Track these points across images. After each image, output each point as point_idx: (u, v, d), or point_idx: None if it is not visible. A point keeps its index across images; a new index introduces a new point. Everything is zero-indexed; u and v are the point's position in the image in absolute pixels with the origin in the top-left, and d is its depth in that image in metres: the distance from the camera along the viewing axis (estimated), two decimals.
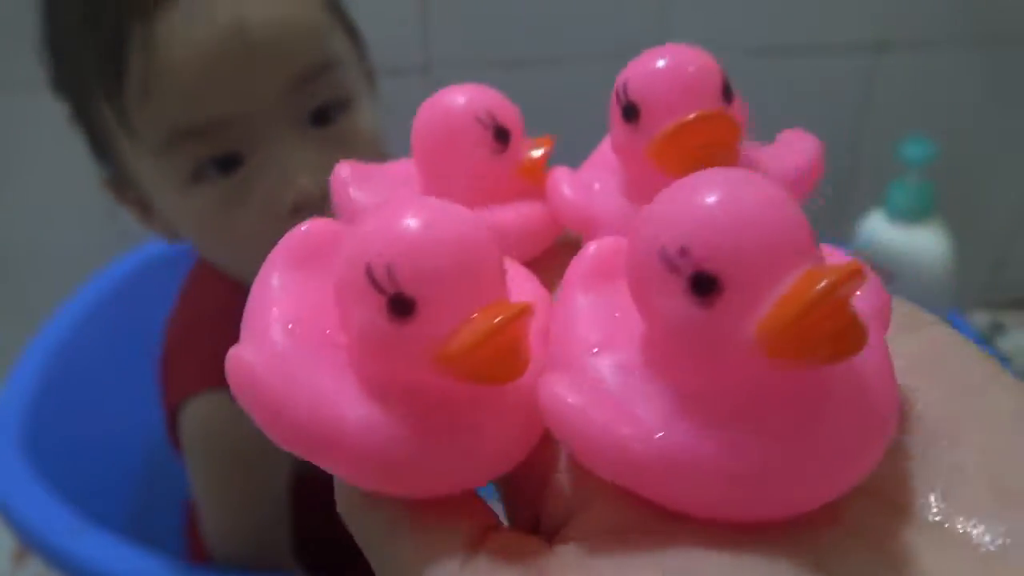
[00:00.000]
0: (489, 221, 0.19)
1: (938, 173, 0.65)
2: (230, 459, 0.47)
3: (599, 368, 0.14)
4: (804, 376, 0.12)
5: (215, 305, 0.49)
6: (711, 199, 0.12)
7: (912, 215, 0.64)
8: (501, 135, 0.20)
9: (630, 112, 0.19)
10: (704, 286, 0.12)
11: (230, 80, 0.39)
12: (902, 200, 0.64)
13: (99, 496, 0.53)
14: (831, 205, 0.76)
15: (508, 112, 0.21)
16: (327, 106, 0.42)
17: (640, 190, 0.19)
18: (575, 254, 0.20)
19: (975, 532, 0.12)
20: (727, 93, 0.18)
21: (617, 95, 0.19)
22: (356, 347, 0.14)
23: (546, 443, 0.15)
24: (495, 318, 0.13)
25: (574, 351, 0.14)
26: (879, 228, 0.66)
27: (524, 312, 0.13)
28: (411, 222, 0.13)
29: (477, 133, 0.20)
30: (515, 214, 0.20)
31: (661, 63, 0.18)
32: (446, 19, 0.71)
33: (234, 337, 0.47)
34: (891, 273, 0.65)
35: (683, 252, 0.12)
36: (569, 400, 0.13)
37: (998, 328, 0.93)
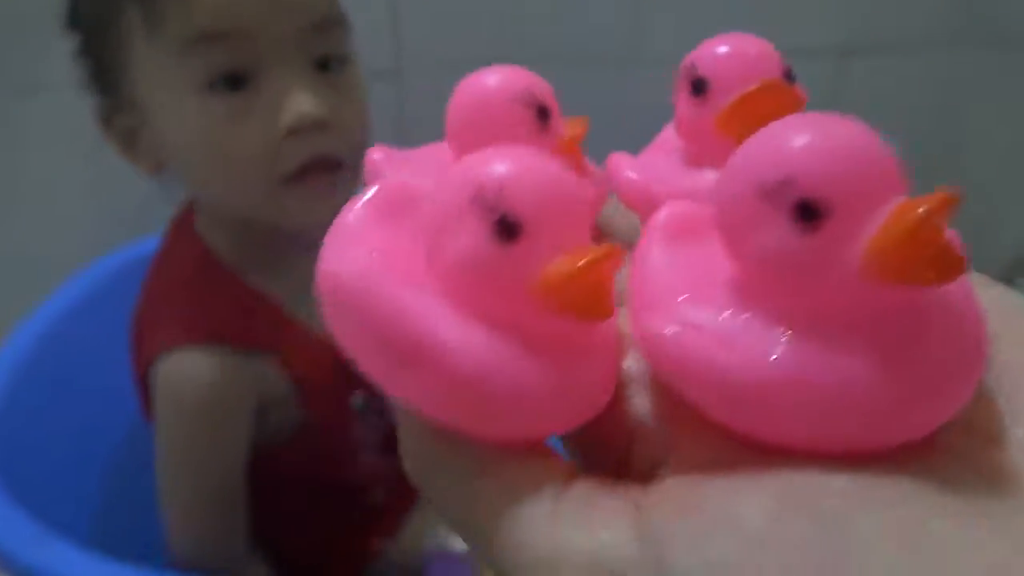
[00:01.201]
0: None
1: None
2: (199, 416, 0.48)
3: (693, 312, 0.14)
4: (905, 302, 0.13)
5: (194, 263, 0.51)
6: (809, 132, 0.13)
7: None
8: (543, 114, 0.20)
9: (699, 86, 0.20)
10: (809, 213, 0.12)
11: (265, 3, 0.44)
12: None
13: (66, 507, 0.52)
14: None
15: (546, 90, 0.21)
16: (329, 57, 0.47)
17: (705, 164, 0.20)
18: (608, 235, 0.21)
19: None
20: (789, 76, 0.19)
21: (685, 71, 0.20)
22: (453, 275, 0.14)
23: (621, 398, 0.15)
24: (597, 252, 0.13)
25: (662, 298, 0.14)
26: None
27: (618, 252, 0.14)
28: (522, 156, 0.14)
29: (520, 113, 0.20)
30: None
31: (727, 44, 0.20)
32: (416, 23, 0.71)
33: (213, 295, 0.49)
34: None
35: (786, 182, 0.12)
36: (670, 332, 0.13)
37: None
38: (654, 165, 0.21)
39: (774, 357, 0.13)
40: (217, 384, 0.47)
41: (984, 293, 0.15)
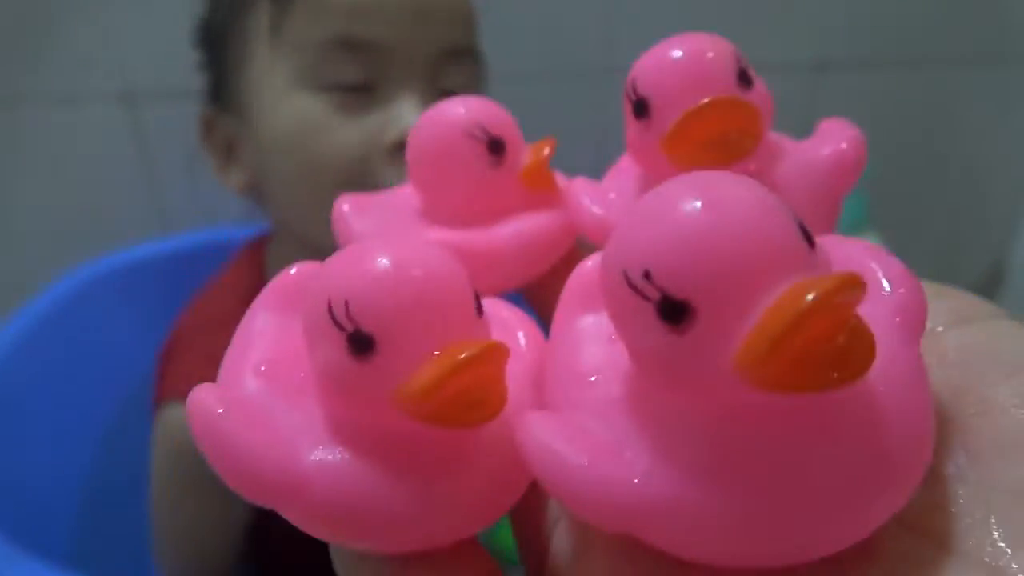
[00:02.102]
0: (492, 238, 0.19)
1: (878, 187, 0.67)
2: (190, 471, 0.45)
3: (591, 400, 0.13)
4: (800, 405, 0.11)
5: (230, 309, 0.48)
6: (672, 212, 0.11)
7: (847, 227, 0.66)
8: (495, 147, 0.19)
9: (640, 108, 0.17)
10: (673, 312, 0.11)
11: (402, 18, 0.42)
12: None
13: (39, 524, 0.52)
14: None
15: (502, 121, 0.20)
16: (453, 90, 0.43)
17: None
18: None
19: None
20: (744, 78, 0.17)
21: (627, 93, 0.18)
22: (322, 385, 0.13)
23: (540, 495, 0.14)
24: (457, 356, 0.12)
25: (565, 384, 0.13)
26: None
27: (489, 351, 0.12)
28: (371, 259, 0.13)
29: (470, 148, 0.19)
30: (519, 228, 0.20)
31: (669, 54, 0.17)
32: None
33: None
34: None
35: (647, 276, 0.11)
36: (544, 441, 0.12)
37: None
38: (614, 194, 0.19)
39: (639, 480, 0.11)
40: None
41: (962, 333, 0.13)
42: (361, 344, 0.12)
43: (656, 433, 0.12)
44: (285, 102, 0.44)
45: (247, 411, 0.13)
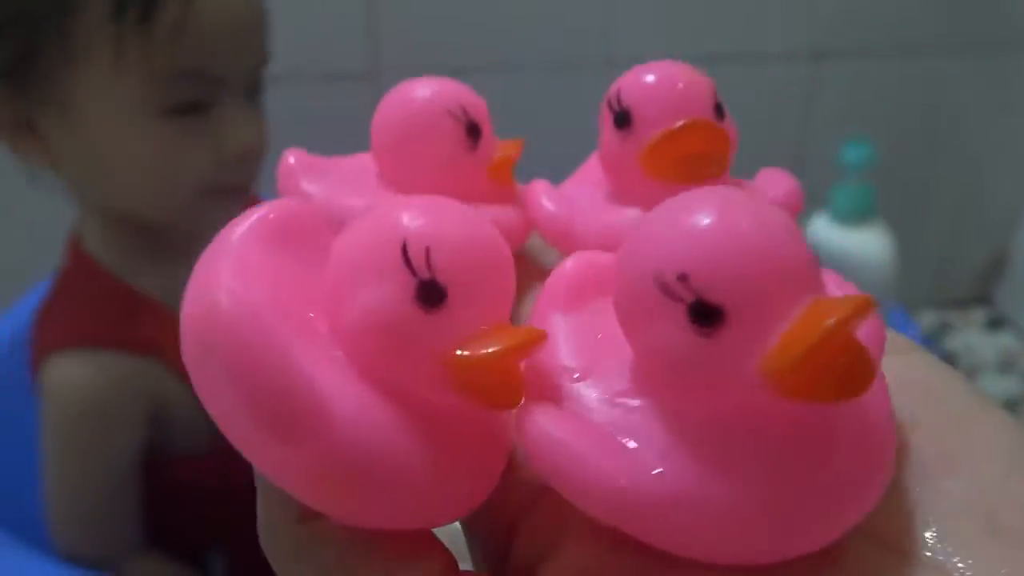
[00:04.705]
0: None
1: (880, 176, 0.67)
2: (78, 418, 0.48)
3: (585, 396, 0.13)
4: (808, 412, 0.12)
5: (76, 272, 0.52)
6: (711, 220, 0.11)
7: (854, 217, 0.66)
8: (473, 131, 0.19)
9: (622, 119, 0.18)
10: (706, 316, 0.11)
11: (238, 46, 0.48)
12: (844, 202, 0.66)
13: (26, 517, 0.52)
14: None
15: (479, 108, 0.20)
16: (256, 87, 0.51)
17: (628, 201, 0.19)
18: (533, 265, 0.20)
19: (971, 571, 0.11)
20: (719, 110, 0.18)
21: (609, 103, 0.19)
22: (357, 332, 0.12)
23: (512, 480, 0.14)
24: (509, 339, 0.12)
25: (555, 378, 0.13)
26: (822, 230, 0.67)
27: (537, 341, 0.12)
28: (457, 213, 0.12)
29: (449, 127, 0.19)
30: (485, 214, 0.20)
31: (654, 74, 0.18)
32: (393, 25, 0.71)
33: (92, 299, 0.50)
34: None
35: (682, 278, 0.11)
36: (555, 433, 0.12)
37: (946, 327, 0.95)
38: (576, 197, 0.20)
39: (658, 471, 0.11)
40: (94, 386, 0.48)
41: (892, 363, 0.14)
42: (432, 294, 0.12)
43: (659, 430, 0.12)
44: (128, 126, 0.47)
45: (265, 320, 0.11)
